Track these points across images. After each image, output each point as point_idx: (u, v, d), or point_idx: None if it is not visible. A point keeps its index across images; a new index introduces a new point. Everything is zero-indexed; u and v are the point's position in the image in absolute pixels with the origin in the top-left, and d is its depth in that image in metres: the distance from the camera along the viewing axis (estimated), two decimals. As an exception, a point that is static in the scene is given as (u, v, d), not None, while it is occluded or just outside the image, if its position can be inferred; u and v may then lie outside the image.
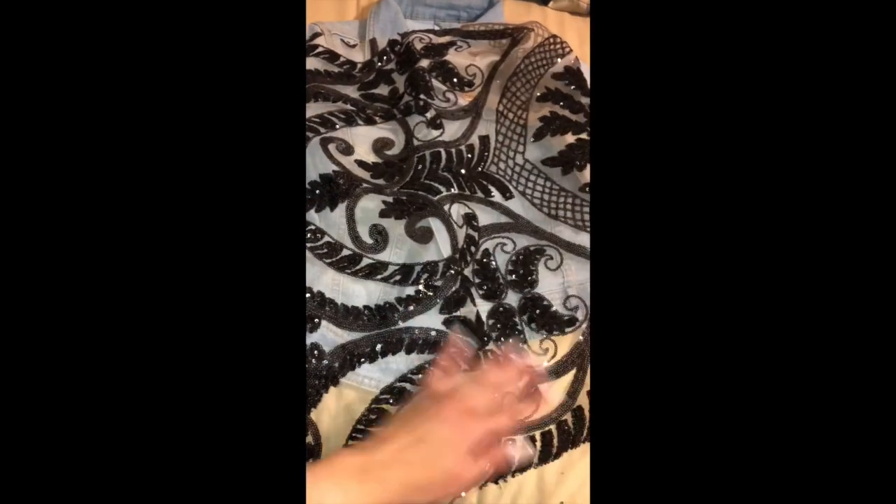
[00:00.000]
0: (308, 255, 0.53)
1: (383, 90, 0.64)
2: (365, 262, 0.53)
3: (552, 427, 0.50)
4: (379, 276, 0.53)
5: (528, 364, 0.47)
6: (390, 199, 0.55)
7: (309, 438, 0.49)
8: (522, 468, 0.47)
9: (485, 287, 0.54)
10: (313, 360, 0.50)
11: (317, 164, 0.56)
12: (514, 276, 0.55)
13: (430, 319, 0.52)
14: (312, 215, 0.54)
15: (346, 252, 0.54)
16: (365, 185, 0.56)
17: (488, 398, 0.41)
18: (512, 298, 0.54)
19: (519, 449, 0.43)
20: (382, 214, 0.55)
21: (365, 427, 0.49)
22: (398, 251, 0.55)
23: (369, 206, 0.55)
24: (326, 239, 0.54)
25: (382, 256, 0.54)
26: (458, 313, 0.52)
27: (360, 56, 0.67)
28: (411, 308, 0.52)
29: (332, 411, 0.50)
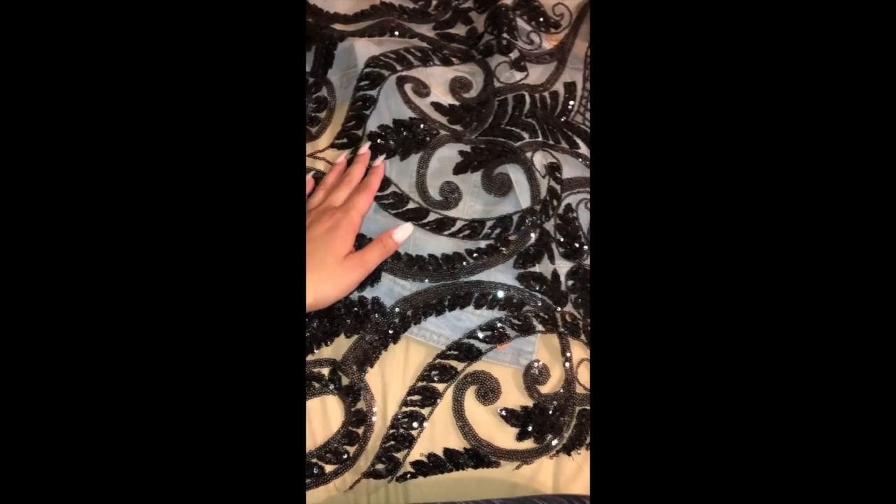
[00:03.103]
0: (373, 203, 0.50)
1: (460, 30, 0.59)
2: (432, 216, 0.49)
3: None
4: (447, 232, 0.49)
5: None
6: (468, 149, 0.51)
7: (361, 404, 0.46)
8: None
9: (566, 245, 0.49)
10: (375, 315, 0.47)
11: (391, 107, 0.52)
12: (598, 234, 0.50)
13: (504, 275, 0.48)
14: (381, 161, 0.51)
15: (412, 205, 0.50)
16: (443, 132, 0.52)
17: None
18: (595, 259, 0.49)
19: (405, 229, 0.47)
20: (459, 167, 0.51)
21: (426, 383, 0.46)
22: (472, 204, 0.50)
23: (446, 155, 0.51)
24: (393, 189, 0.50)
25: (452, 213, 0.50)
26: (533, 269, 0.48)
27: (436, -8, 0.62)
28: (481, 261, 0.48)
29: (396, 368, 0.47)
